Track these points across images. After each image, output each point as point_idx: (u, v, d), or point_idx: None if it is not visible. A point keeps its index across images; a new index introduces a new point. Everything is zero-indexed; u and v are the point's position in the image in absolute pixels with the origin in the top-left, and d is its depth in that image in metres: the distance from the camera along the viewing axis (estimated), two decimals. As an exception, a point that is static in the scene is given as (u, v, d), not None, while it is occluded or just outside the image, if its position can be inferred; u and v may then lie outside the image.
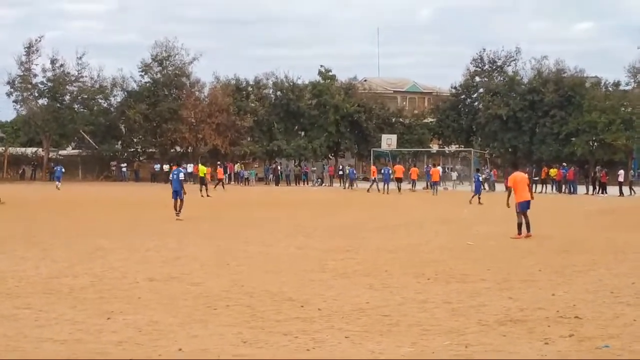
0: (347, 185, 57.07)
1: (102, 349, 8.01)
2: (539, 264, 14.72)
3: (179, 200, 25.76)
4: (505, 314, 9.88)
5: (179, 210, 25.57)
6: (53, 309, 10.11)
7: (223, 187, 51.96)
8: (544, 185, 52.91)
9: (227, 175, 62.70)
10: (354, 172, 59.05)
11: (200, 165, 49.18)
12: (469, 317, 9.72)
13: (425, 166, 59.27)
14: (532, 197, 20.51)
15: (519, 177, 20.68)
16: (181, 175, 26.51)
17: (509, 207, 20.71)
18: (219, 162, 61.51)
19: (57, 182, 52.92)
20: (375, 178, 51.80)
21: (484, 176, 52.33)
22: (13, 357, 7.72)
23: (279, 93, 72.68)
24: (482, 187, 40.11)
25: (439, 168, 55.03)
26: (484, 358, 7.78)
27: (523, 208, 19.94)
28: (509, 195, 20.87)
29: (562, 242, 18.95)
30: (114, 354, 7.86)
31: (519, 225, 19.86)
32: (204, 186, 43.59)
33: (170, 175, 27.26)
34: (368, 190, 48.81)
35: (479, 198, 36.76)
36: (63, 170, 57.86)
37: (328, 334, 8.81)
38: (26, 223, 24.40)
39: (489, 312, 9.99)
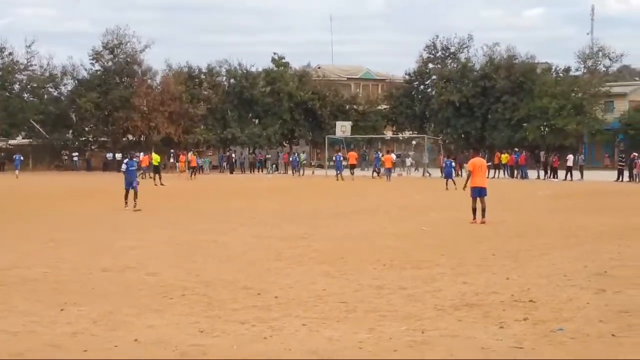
0: (299, 172, 57.28)
1: (56, 341, 7.90)
2: (493, 249, 14.88)
3: (134, 190, 25.22)
4: (460, 299, 9.96)
5: (135, 202, 25.09)
6: (5, 300, 9.95)
7: (192, 176, 51.63)
8: (496, 171, 53.51)
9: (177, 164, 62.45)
10: (297, 159, 59.03)
11: (154, 154, 48.74)
12: (425, 302, 9.79)
13: (375, 153, 59.12)
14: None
15: (478, 162, 20.75)
16: (135, 166, 26.75)
17: (464, 189, 20.91)
18: (172, 150, 61.12)
19: (16, 171, 54.18)
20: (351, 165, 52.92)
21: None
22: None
23: (232, 81, 72.38)
24: (453, 172, 40.12)
25: (392, 155, 55.17)
26: (440, 343, 7.84)
27: (474, 194, 20.11)
28: (467, 179, 20.89)
29: (515, 227, 19.17)
30: (69, 345, 7.76)
31: (473, 210, 20.04)
32: (157, 175, 43.38)
33: (124, 167, 26.29)
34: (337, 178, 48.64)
35: (450, 182, 36.75)
36: (22, 158, 58.07)
37: (285, 321, 8.80)
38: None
39: (445, 297, 10.07)
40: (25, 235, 17.87)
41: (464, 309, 9.38)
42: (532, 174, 51.11)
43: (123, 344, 7.80)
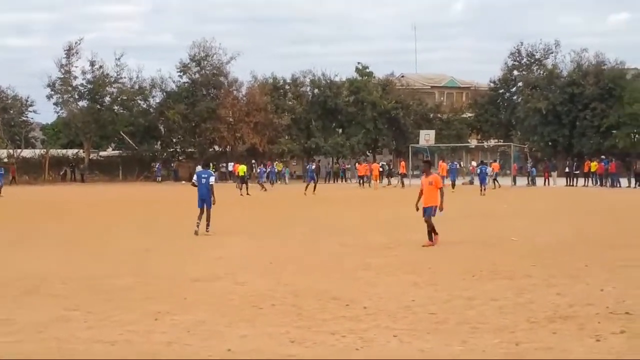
0: (390, 182, 56.85)
1: (152, 350, 8.05)
2: (585, 260, 14.52)
3: (205, 210, 20.47)
4: (554, 311, 9.76)
5: (208, 223, 20.37)
6: (102, 310, 10.18)
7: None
8: (586, 179, 52.47)
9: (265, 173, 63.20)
10: (312, 168, 51.89)
11: (240, 165, 49.17)
12: (518, 314, 9.62)
13: (450, 162, 57.27)
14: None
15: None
16: (211, 180, 20.82)
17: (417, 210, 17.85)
18: (253, 161, 61.80)
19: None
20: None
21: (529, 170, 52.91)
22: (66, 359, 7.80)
23: (316, 91, 72.78)
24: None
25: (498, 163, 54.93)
26: (535, 356, 7.69)
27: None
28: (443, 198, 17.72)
29: (607, 238, 18.70)
30: (165, 354, 7.89)
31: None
32: (244, 185, 43.84)
33: (195, 178, 21.43)
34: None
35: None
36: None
37: (375, 332, 8.76)
38: (65, 224, 24.74)
39: (538, 309, 9.87)
40: (117, 245, 18.26)
41: (558, 321, 9.18)
42: (623, 182, 49.82)
43: (217, 354, 7.89)
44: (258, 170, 59.29)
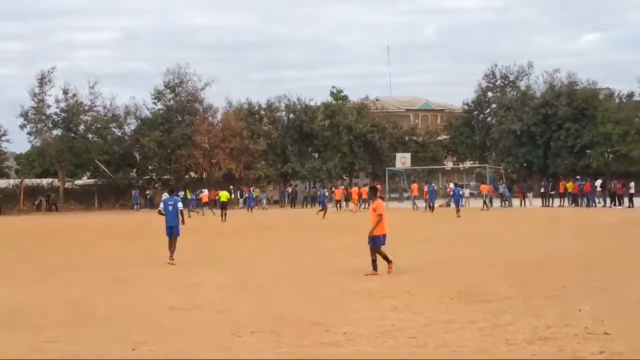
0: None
1: (130, 381, 7.99)
2: (563, 280, 14.58)
3: (173, 239, 20.34)
4: (532, 333, 9.76)
5: (173, 250, 20.15)
6: (78, 340, 10.08)
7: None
8: (562, 199, 52.77)
9: (242, 199, 63.49)
10: (325, 194, 53.99)
11: (223, 191, 49.20)
12: (497, 336, 9.62)
13: (427, 185, 56.22)
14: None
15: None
16: (179, 205, 20.81)
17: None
18: (230, 187, 61.70)
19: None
20: (414, 196, 52.76)
21: (501, 191, 53.21)
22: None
23: (291, 115, 72.87)
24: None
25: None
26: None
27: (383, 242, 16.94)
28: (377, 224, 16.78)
29: (584, 257, 18.81)
30: (143, 385, 7.83)
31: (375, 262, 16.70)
32: (223, 211, 44.00)
33: (161, 206, 21.34)
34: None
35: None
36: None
37: (356, 358, 8.73)
38: (41, 255, 24.52)
39: (517, 331, 9.87)
40: (92, 275, 18.09)
41: (537, 342, 9.19)
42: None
43: (196, 383, 7.83)
44: (246, 195, 60.04)
